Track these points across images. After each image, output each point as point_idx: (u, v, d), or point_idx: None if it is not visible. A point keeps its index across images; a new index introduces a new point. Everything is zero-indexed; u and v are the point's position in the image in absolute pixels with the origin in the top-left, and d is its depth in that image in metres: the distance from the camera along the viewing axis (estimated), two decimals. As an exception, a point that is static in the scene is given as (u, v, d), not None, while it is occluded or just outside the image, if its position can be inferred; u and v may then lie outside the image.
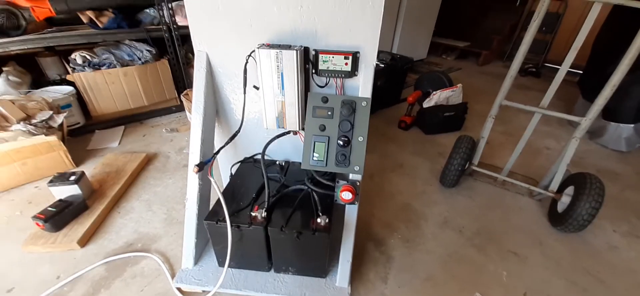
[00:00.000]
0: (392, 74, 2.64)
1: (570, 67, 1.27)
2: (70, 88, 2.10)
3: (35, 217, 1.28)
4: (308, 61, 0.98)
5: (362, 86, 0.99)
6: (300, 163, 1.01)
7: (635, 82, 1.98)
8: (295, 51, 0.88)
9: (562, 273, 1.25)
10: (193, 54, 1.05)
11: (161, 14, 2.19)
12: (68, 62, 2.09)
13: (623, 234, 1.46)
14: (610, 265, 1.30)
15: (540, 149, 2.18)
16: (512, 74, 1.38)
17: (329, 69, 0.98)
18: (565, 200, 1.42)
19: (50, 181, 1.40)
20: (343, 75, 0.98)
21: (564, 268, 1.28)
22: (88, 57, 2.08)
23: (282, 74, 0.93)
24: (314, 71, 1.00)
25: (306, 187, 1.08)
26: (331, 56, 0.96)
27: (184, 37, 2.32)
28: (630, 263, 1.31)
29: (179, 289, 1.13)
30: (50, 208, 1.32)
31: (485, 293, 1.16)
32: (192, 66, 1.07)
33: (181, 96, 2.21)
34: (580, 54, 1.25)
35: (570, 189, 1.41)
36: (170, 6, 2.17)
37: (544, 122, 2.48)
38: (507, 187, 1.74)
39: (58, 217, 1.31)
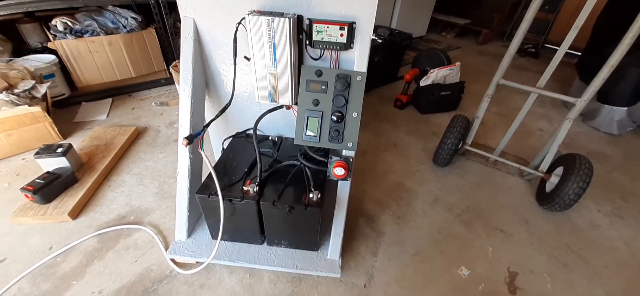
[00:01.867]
0: (390, 51, 2.57)
1: (569, 49, 1.24)
2: (52, 57, 2.00)
3: (23, 189, 1.26)
4: (301, 31, 0.94)
5: (358, 59, 0.95)
6: (293, 139, 0.99)
7: (632, 64, 1.96)
8: (288, 19, 0.84)
9: (545, 250, 1.30)
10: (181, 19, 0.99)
11: (147, -22, 2.06)
12: (49, 29, 1.98)
13: (606, 214, 1.51)
14: (591, 242, 1.36)
15: (533, 130, 2.19)
16: (511, 53, 1.35)
17: (324, 40, 0.93)
18: (553, 180, 1.45)
19: (37, 153, 1.37)
20: (338, 47, 0.94)
21: (547, 244, 1.33)
22: (69, 23, 1.97)
23: (274, 44, 0.88)
24: (307, 42, 0.96)
25: (299, 162, 1.08)
26: (326, 25, 0.91)
27: (172, 4, 2.19)
28: (611, 242, 1.37)
29: (172, 260, 1.14)
30: (38, 180, 1.30)
31: (470, 267, 1.20)
32: (181, 35, 1.01)
33: (170, 68, 2.13)
34: (579, 36, 1.22)
35: (559, 170, 1.44)
36: (156, -30, 2.04)
37: (539, 104, 2.49)
38: (498, 167, 1.76)
39: (47, 189, 1.29)
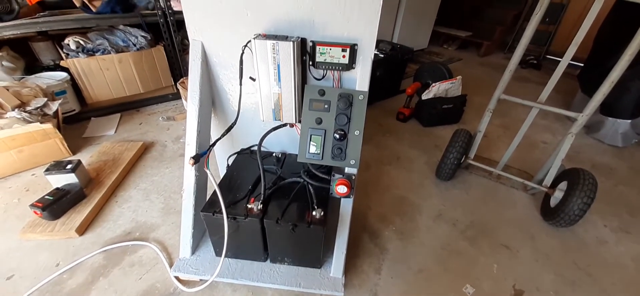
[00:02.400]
0: (392, 65, 2.61)
1: (571, 60, 1.26)
2: (64, 74, 2.07)
3: (33, 205, 1.29)
4: (305, 53, 0.97)
5: (360, 79, 0.98)
6: (296, 155, 1.01)
7: (634, 77, 1.97)
8: (292, 42, 0.87)
9: (552, 267, 1.28)
10: (189, 40, 1.03)
11: (156, -2, 2.14)
12: (61, 48, 2.05)
13: (613, 230, 1.49)
14: (599, 259, 1.33)
15: (536, 143, 2.19)
16: (511, 69, 1.37)
17: (326, 61, 0.96)
18: (558, 195, 1.44)
19: (47, 170, 1.40)
20: (340, 68, 0.97)
21: (554, 261, 1.31)
22: (82, 42, 2.04)
23: (278, 65, 0.92)
24: (311, 63, 0.99)
25: (302, 179, 1.09)
26: (328, 47, 0.94)
27: (180, 22, 2.27)
28: (618, 258, 1.35)
29: (176, 278, 1.15)
30: (47, 197, 1.32)
31: (475, 285, 1.19)
32: (188, 53, 1.05)
33: (177, 84, 2.19)
34: (582, 47, 1.23)
35: (563, 184, 1.43)
36: (165, -10, 2.12)
37: (542, 116, 2.49)
38: (502, 181, 1.76)
39: (56, 205, 1.32)
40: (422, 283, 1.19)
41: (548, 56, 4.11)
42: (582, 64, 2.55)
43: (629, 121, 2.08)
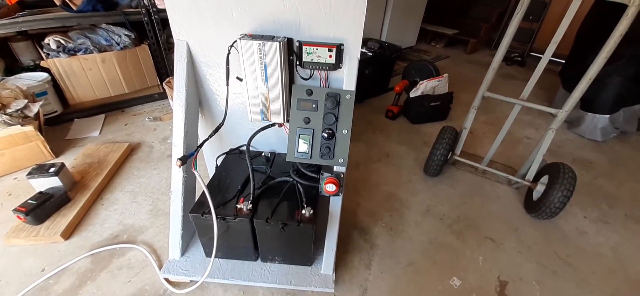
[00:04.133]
0: (380, 63, 2.64)
1: (553, 57, 1.29)
2: (45, 75, 2.01)
3: (15, 210, 1.25)
4: (292, 53, 0.97)
5: (347, 78, 0.99)
6: (286, 154, 1.01)
7: (612, 73, 2.05)
8: (278, 43, 0.87)
9: (534, 257, 1.33)
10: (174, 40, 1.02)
11: (140, -4, 2.09)
12: (41, 48, 1.99)
13: (593, 220, 1.55)
14: (578, 249, 1.39)
15: (520, 138, 2.25)
16: (495, 67, 1.41)
17: (313, 61, 0.97)
18: (540, 189, 1.49)
19: (29, 173, 1.36)
20: (327, 67, 0.98)
21: (536, 252, 1.36)
22: (62, 41, 1.98)
23: (265, 65, 0.92)
24: (298, 63, 0.99)
25: (291, 179, 1.10)
26: (315, 47, 0.95)
27: (165, 21, 2.22)
28: (597, 247, 1.41)
29: (166, 279, 1.14)
30: (30, 201, 1.29)
31: (462, 278, 1.23)
32: (174, 52, 1.04)
33: (164, 84, 2.15)
34: (563, 44, 1.26)
35: (545, 178, 1.48)
36: (149, -12, 2.07)
37: (525, 112, 2.56)
38: (487, 176, 1.81)
39: (39, 210, 1.28)
40: (411, 277, 1.22)
41: (532, 53, 4.22)
42: (564, 61, 2.64)
43: (608, 116, 2.17)
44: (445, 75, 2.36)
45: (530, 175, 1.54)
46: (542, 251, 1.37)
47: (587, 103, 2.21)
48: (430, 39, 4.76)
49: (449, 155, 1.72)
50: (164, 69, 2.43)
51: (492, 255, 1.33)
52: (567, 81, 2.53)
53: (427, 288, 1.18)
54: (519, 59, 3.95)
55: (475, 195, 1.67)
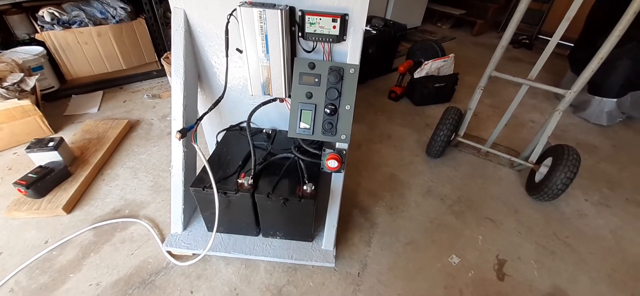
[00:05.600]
0: (384, 42, 2.56)
1: (562, 40, 1.25)
2: (40, 48, 1.96)
3: (16, 183, 1.25)
4: (294, 23, 0.93)
5: (351, 51, 0.95)
6: (287, 131, 1.00)
7: (622, 56, 1.99)
8: (279, 11, 0.83)
9: (533, 238, 1.34)
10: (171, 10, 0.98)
11: (136, -33, 2.01)
12: (36, 20, 1.93)
13: (593, 203, 1.55)
14: (578, 230, 1.40)
15: (525, 122, 2.22)
16: (503, 45, 1.36)
17: (316, 32, 0.93)
18: (542, 170, 1.48)
19: (28, 147, 1.35)
20: (331, 39, 0.94)
21: (536, 233, 1.37)
22: (56, 14, 1.92)
23: (266, 36, 0.88)
24: (300, 34, 0.95)
25: (293, 155, 1.09)
26: (318, 17, 0.90)
27: (163, -6, 2.15)
28: (597, 230, 1.41)
29: (169, 252, 1.15)
30: (31, 175, 1.29)
31: (460, 256, 1.24)
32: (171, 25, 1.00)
33: (161, 60, 2.10)
34: (573, 27, 1.22)
35: (548, 161, 1.47)
36: (146, -42, 1.99)
37: (531, 96, 2.51)
38: (489, 158, 1.79)
39: (40, 183, 1.28)
40: (410, 254, 1.23)
41: (540, 36, 4.10)
42: (572, 44, 2.56)
43: (615, 100, 2.13)
44: (451, 55, 2.30)
45: (534, 157, 1.53)
46: (542, 232, 1.37)
47: (595, 86, 2.17)
48: (437, 19, 4.62)
49: (453, 136, 1.70)
50: (162, 45, 2.37)
51: (492, 235, 1.34)
52: (576, 63, 2.46)
53: (426, 265, 1.20)
54: (527, 41, 3.84)
55: (477, 177, 1.66)
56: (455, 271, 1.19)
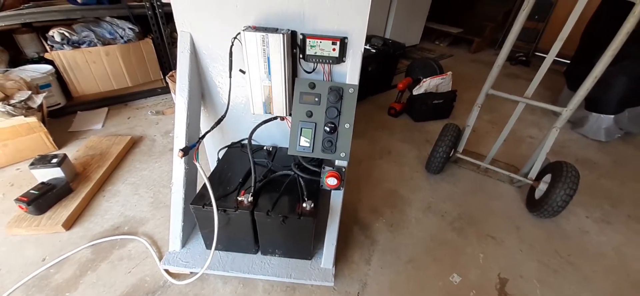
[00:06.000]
0: (384, 60, 2.62)
1: (558, 57, 1.28)
2: (49, 67, 2.01)
3: (18, 200, 1.26)
4: (295, 45, 0.97)
5: (350, 72, 0.98)
6: (287, 148, 1.01)
7: (618, 73, 2.03)
8: (281, 35, 0.86)
9: (535, 256, 1.33)
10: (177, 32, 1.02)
11: (144, -11, 2.09)
12: (46, 40, 1.99)
13: (595, 220, 1.54)
14: (580, 248, 1.38)
15: (523, 137, 2.24)
16: (500, 63, 1.40)
17: (317, 54, 0.96)
18: (542, 187, 1.48)
19: (32, 164, 1.37)
20: (331, 61, 0.97)
21: (537, 251, 1.35)
22: (67, 34, 1.99)
23: (268, 58, 0.91)
24: (301, 56, 0.99)
25: (293, 172, 1.10)
26: (319, 40, 0.94)
27: (169, 15, 2.22)
28: (599, 247, 1.40)
29: (166, 271, 1.14)
30: (32, 191, 1.30)
31: (462, 274, 1.22)
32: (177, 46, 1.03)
33: (167, 78, 2.15)
34: (568, 44, 1.25)
35: (547, 177, 1.47)
36: (153, -18, 2.07)
37: (529, 112, 2.54)
38: (489, 174, 1.80)
39: (41, 200, 1.29)
40: (410, 273, 1.22)
41: (537, 53, 4.18)
42: (568, 61, 2.61)
43: (612, 116, 2.15)
44: (449, 73, 2.34)
45: (533, 173, 1.53)
46: (544, 250, 1.36)
47: (592, 103, 2.19)
48: (435, 37, 4.73)
49: (452, 152, 1.72)
50: (167, 64, 2.43)
51: (493, 253, 1.32)
52: (572, 80, 2.50)
53: (427, 284, 1.18)
54: (524, 58, 3.92)
55: (477, 193, 1.66)
56: (457, 290, 1.17)
